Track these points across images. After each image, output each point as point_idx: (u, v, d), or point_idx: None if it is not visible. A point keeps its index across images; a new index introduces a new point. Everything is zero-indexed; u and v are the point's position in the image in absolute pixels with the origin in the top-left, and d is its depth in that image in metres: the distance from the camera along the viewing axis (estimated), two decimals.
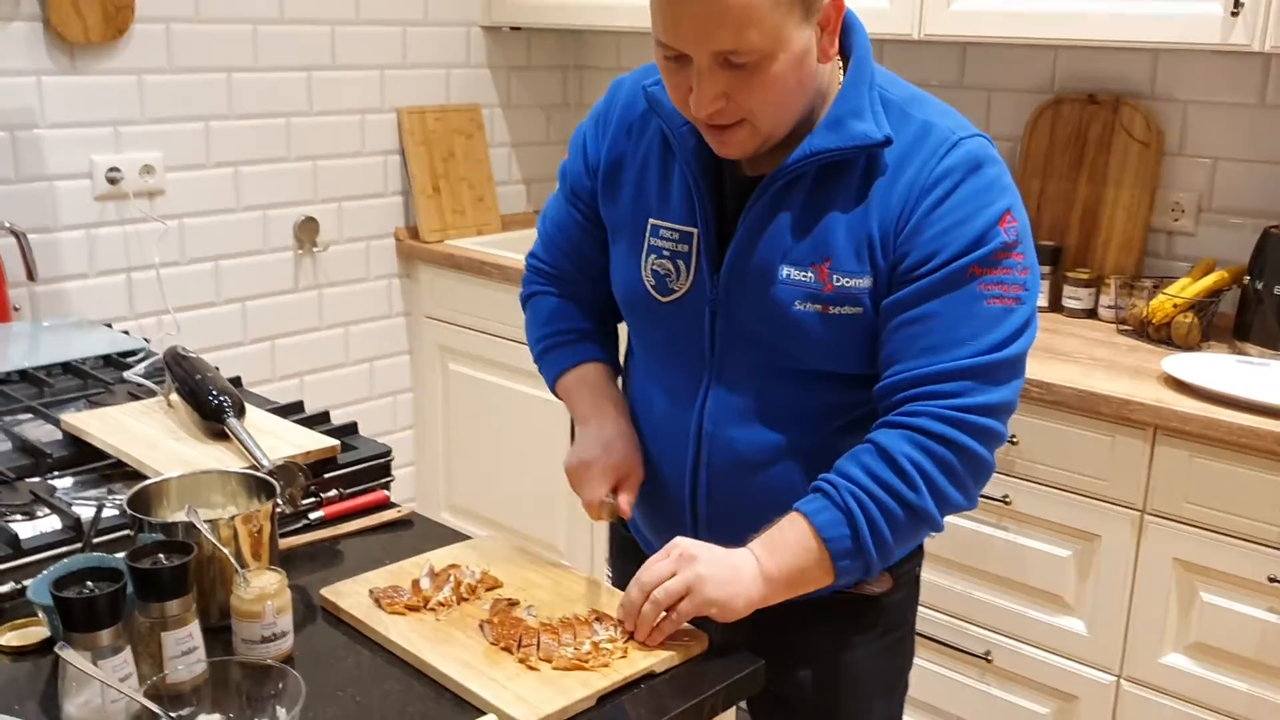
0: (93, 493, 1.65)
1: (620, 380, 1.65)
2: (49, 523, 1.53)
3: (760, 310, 1.39)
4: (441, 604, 1.38)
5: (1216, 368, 2.21)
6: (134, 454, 1.62)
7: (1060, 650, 2.31)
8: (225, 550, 1.30)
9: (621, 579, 1.69)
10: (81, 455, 1.73)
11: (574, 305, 1.64)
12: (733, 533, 1.37)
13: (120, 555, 1.35)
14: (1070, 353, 2.40)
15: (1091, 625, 2.26)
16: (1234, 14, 2.17)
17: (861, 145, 1.32)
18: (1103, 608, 2.24)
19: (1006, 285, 1.31)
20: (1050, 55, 2.82)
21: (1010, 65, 2.88)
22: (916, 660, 2.48)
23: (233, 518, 1.33)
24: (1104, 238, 2.75)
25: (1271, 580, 2.02)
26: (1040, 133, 2.82)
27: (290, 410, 1.93)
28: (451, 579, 1.42)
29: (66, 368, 2.16)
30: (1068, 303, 2.71)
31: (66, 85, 2.74)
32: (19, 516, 1.54)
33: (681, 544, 1.32)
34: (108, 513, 1.48)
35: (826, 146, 1.33)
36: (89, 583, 1.16)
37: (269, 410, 1.86)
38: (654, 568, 1.31)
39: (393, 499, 1.73)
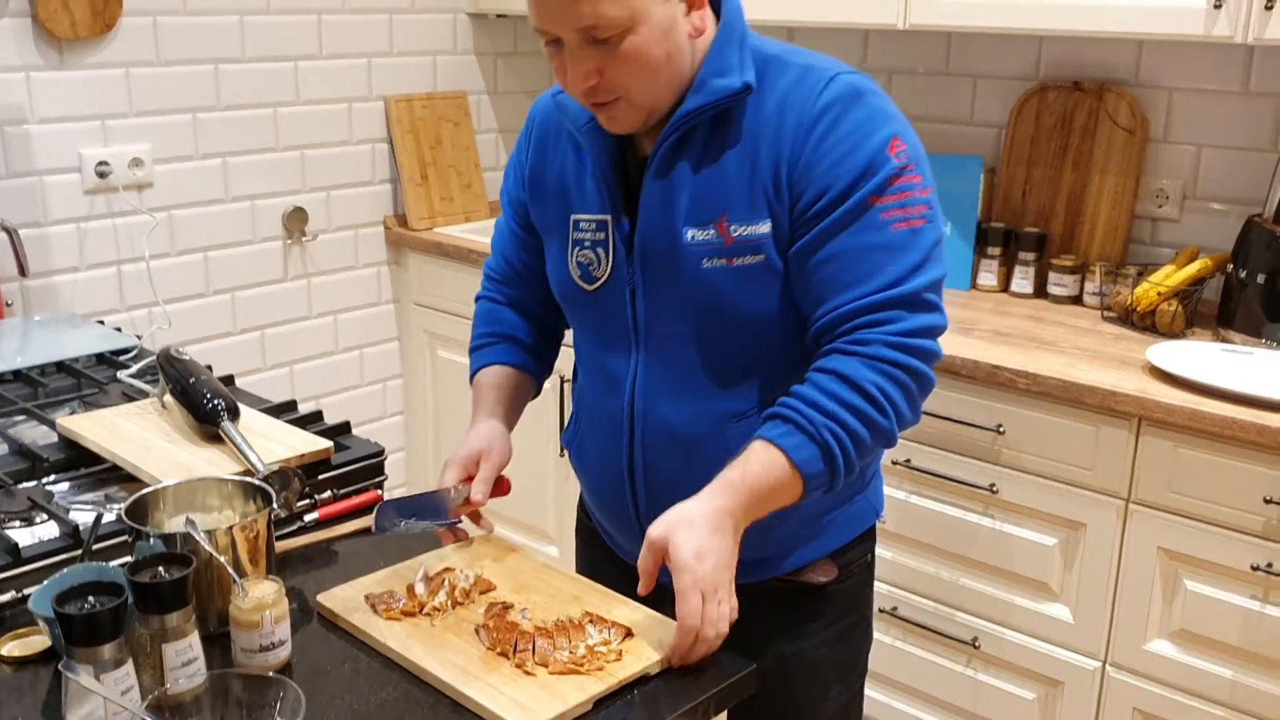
0: (89, 496, 1.67)
1: (529, 375, 1.74)
2: (47, 529, 1.54)
3: (673, 277, 1.44)
4: (437, 609, 1.40)
5: (1200, 356, 2.24)
6: (130, 459, 1.63)
7: (1046, 637, 2.34)
8: (223, 559, 1.32)
9: (585, 566, 1.76)
10: (77, 458, 1.74)
11: (507, 309, 1.74)
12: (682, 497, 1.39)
13: (117, 563, 1.38)
14: (1055, 341, 2.43)
15: (1077, 612, 2.30)
16: (1217, 6, 2.19)
17: (724, 97, 1.38)
18: (1088, 595, 2.27)
19: (908, 208, 1.36)
20: (1035, 43, 2.83)
21: (995, 53, 2.90)
22: (904, 646, 2.54)
23: (230, 527, 1.35)
24: (1089, 225, 2.77)
25: (1254, 568, 2.05)
26: (1025, 120, 2.83)
27: (283, 409, 1.94)
28: (446, 583, 1.44)
29: (60, 367, 2.17)
30: (1053, 289, 2.73)
31: (55, 80, 2.74)
32: (17, 523, 1.56)
33: (698, 579, 1.29)
34: (106, 519, 1.49)
35: (693, 107, 1.39)
36: (90, 597, 1.18)
37: (262, 410, 1.88)
38: (692, 610, 1.28)
39: (386, 486, 1.76)
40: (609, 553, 1.71)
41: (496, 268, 1.76)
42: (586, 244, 1.51)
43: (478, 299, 1.79)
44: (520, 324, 1.73)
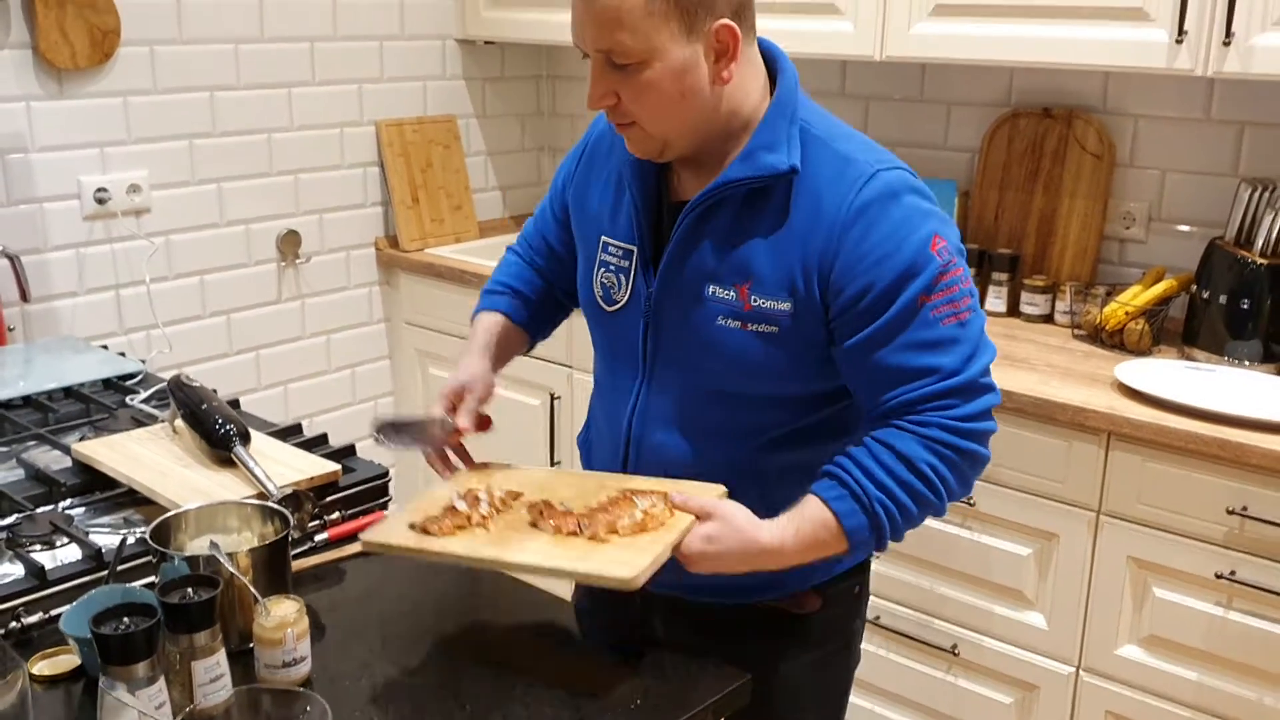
0: (106, 519, 1.73)
1: (519, 335, 1.81)
2: (69, 552, 1.61)
3: (687, 323, 1.51)
4: (485, 517, 1.47)
5: (1166, 374, 2.34)
6: (148, 484, 1.70)
7: (1022, 643, 2.43)
8: (245, 580, 1.39)
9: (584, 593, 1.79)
10: (92, 483, 1.81)
11: (530, 269, 1.83)
12: None
13: (141, 584, 1.46)
14: (1028, 359, 2.52)
15: (1051, 619, 2.39)
16: (1178, 41, 2.29)
17: (769, 175, 1.43)
18: (1061, 603, 2.37)
19: (956, 303, 1.41)
20: (1007, 72, 2.93)
21: (968, 81, 3.00)
22: (886, 654, 2.62)
23: (251, 549, 1.43)
24: (1059, 246, 2.87)
25: (1218, 576, 2.15)
26: (998, 145, 2.93)
27: (289, 433, 2.01)
28: (484, 495, 1.51)
29: (68, 392, 2.23)
30: (1025, 309, 2.83)
31: (55, 109, 2.81)
32: (38, 546, 1.63)
33: (703, 555, 1.39)
34: (129, 541, 1.56)
35: (737, 177, 1.44)
36: (125, 618, 1.25)
37: (269, 434, 1.95)
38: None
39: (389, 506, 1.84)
40: None
41: (530, 237, 1.85)
42: (611, 267, 1.58)
43: (509, 250, 1.88)
44: (537, 284, 1.82)
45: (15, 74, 2.74)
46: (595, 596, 1.60)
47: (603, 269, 1.60)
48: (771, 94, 1.49)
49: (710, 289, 1.48)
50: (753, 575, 1.47)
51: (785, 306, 1.44)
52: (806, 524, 1.40)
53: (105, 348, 2.54)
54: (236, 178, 3.18)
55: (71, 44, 2.77)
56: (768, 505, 1.43)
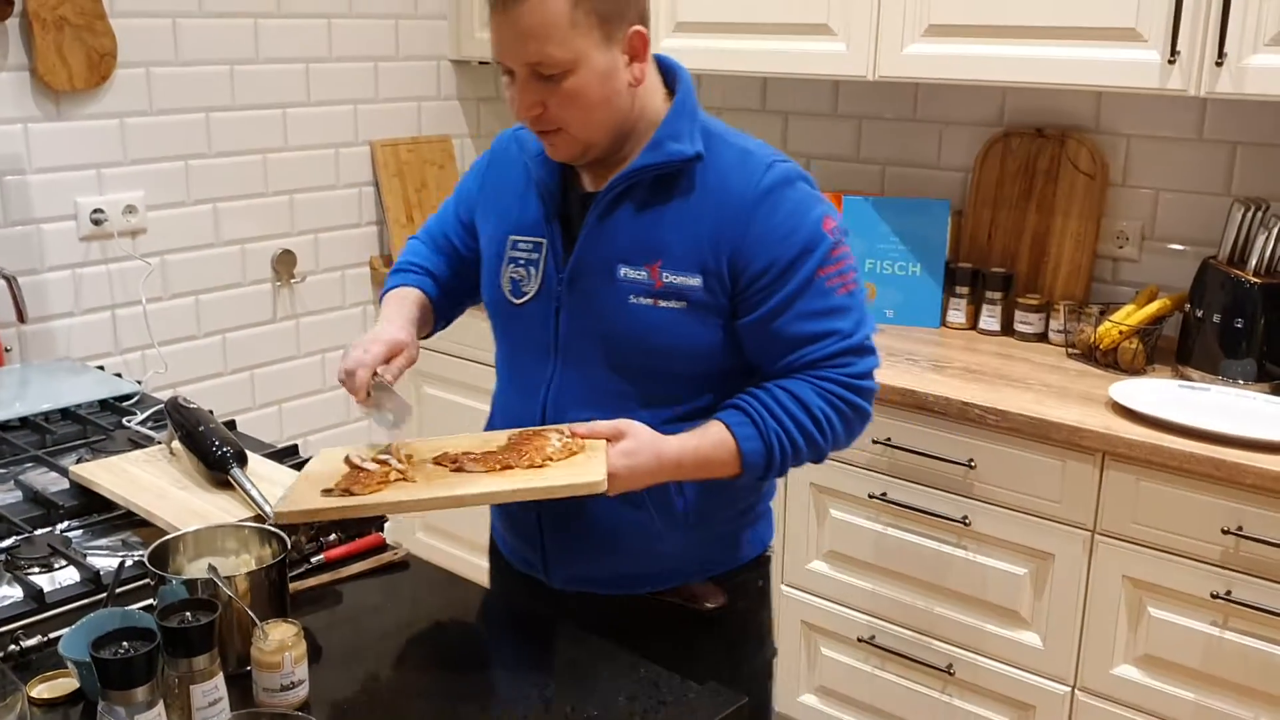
0: (104, 541, 1.74)
1: (430, 318, 1.87)
2: (67, 575, 1.61)
3: (600, 304, 1.60)
4: (402, 472, 1.50)
5: (1160, 393, 2.35)
6: (146, 506, 1.70)
7: (1018, 663, 2.44)
8: (243, 603, 1.39)
9: (499, 591, 1.88)
10: (90, 504, 1.81)
11: (438, 256, 1.90)
12: (575, 518, 1.64)
13: (138, 607, 1.45)
14: (1023, 378, 2.53)
15: (1047, 639, 2.39)
16: (1170, 61, 2.31)
17: (677, 160, 1.56)
18: (1057, 622, 2.37)
19: (845, 275, 1.59)
20: (999, 92, 2.95)
21: (961, 101, 3.01)
22: (882, 674, 2.62)
23: (249, 572, 1.43)
24: (1053, 264, 2.88)
25: (1214, 596, 2.15)
26: (991, 164, 2.95)
27: (286, 454, 2.02)
28: (389, 455, 1.55)
29: (65, 413, 2.23)
30: (1019, 327, 2.84)
31: (52, 131, 2.82)
32: (37, 568, 1.63)
33: (615, 467, 1.49)
34: (127, 565, 1.56)
35: (647, 163, 1.57)
36: (124, 642, 1.25)
37: (265, 455, 1.95)
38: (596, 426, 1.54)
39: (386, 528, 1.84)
40: (511, 570, 1.84)
41: (434, 234, 1.92)
42: (521, 262, 1.68)
43: (412, 239, 1.95)
44: (445, 269, 1.89)
45: (13, 96, 2.75)
46: (510, 594, 1.72)
47: (511, 265, 1.69)
48: (670, 100, 1.63)
49: (622, 270, 1.58)
50: (654, 565, 1.67)
51: (695, 282, 1.56)
52: (707, 442, 1.54)
53: (101, 368, 2.54)
54: (232, 198, 3.19)
55: (69, 66, 2.78)
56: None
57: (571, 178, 1.66)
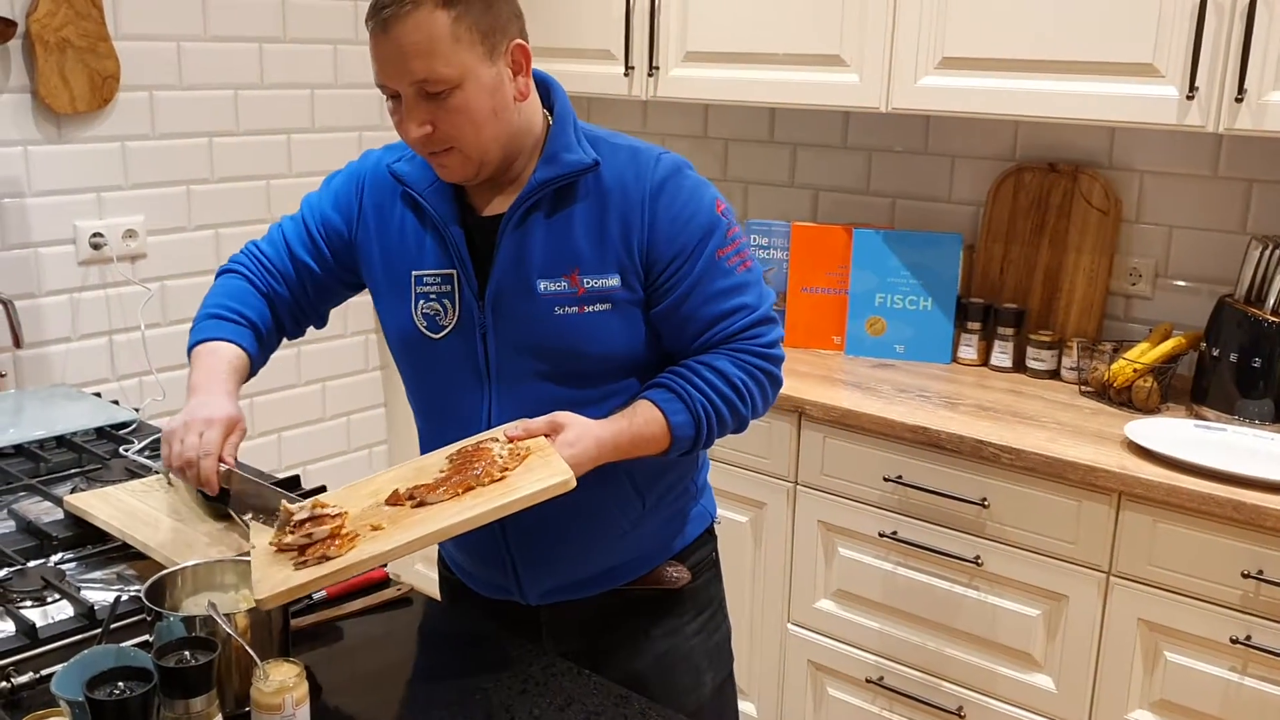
0: (99, 574, 1.69)
1: (247, 375, 1.77)
2: (60, 609, 1.57)
3: (525, 321, 1.62)
4: (372, 525, 1.45)
5: (1176, 433, 2.31)
6: (143, 539, 1.66)
7: (1030, 706, 2.39)
8: (243, 641, 1.35)
9: (455, 615, 1.85)
10: (85, 535, 1.77)
11: (262, 301, 1.80)
12: (543, 532, 1.67)
13: (134, 643, 1.41)
14: (1036, 416, 2.49)
15: (1060, 682, 2.34)
16: (1189, 97, 2.28)
17: (576, 170, 1.60)
18: (1070, 666, 2.32)
19: (742, 252, 1.67)
20: (1012, 126, 2.92)
21: (972, 135, 2.99)
22: (890, 715, 2.58)
23: (249, 609, 1.38)
24: (1065, 301, 2.85)
25: (1233, 641, 2.11)
26: (1003, 199, 2.92)
27: (288, 485, 1.97)
28: (330, 510, 1.48)
29: (60, 441, 2.19)
30: (1031, 364, 2.80)
31: (52, 154, 2.79)
32: (29, 602, 1.58)
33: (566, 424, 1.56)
34: (123, 599, 1.51)
35: (548, 177, 1.60)
36: (119, 682, 1.20)
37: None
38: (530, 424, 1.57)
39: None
40: (477, 598, 1.83)
41: (269, 256, 1.81)
42: (432, 296, 1.67)
43: (223, 271, 1.84)
44: (267, 316, 1.80)
45: (14, 118, 2.72)
46: (478, 623, 1.69)
47: (421, 301, 1.68)
48: (548, 113, 1.67)
49: (542, 285, 1.61)
50: (625, 555, 1.73)
51: (614, 282, 1.61)
52: (638, 421, 1.59)
53: (98, 395, 2.50)
54: (234, 224, 3.16)
55: (71, 89, 2.75)
56: (627, 469, 1.65)
57: (466, 204, 1.67)
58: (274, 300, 1.81)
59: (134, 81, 2.89)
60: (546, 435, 1.55)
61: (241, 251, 1.86)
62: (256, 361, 1.79)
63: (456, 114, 1.52)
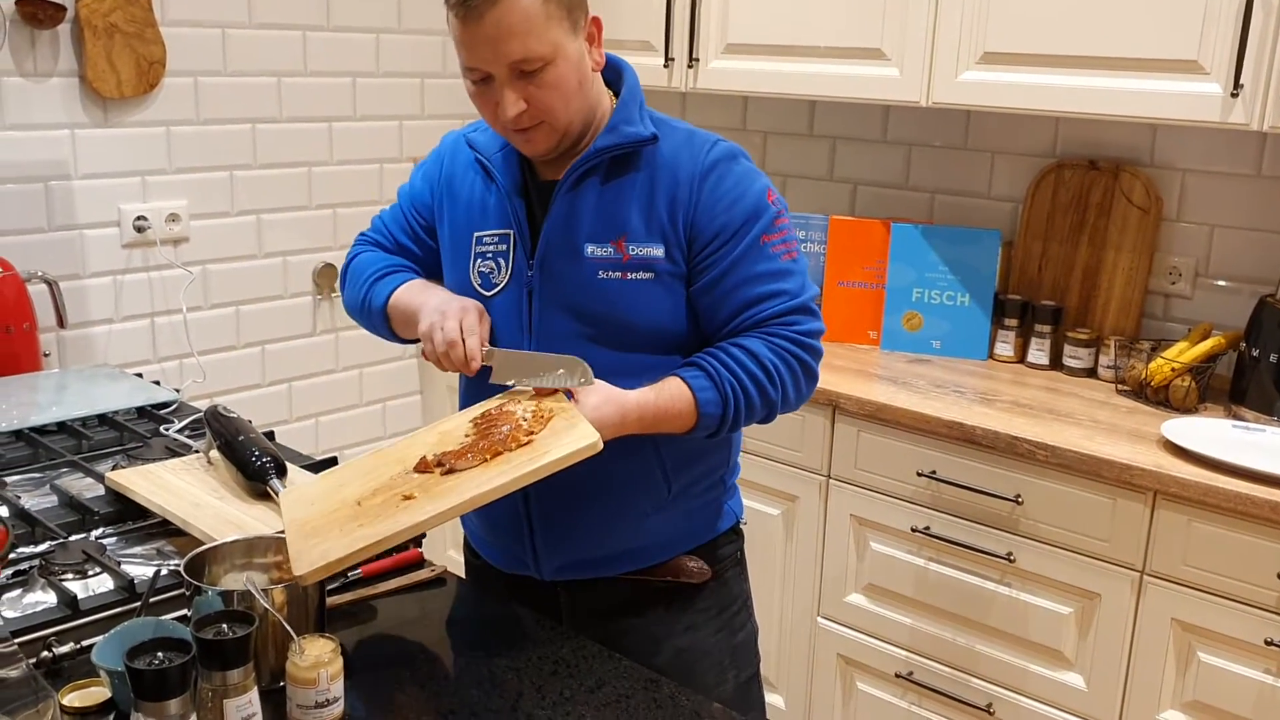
0: (139, 549, 1.71)
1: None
2: (101, 582, 1.59)
3: (569, 283, 1.67)
4: (407, 496, 1.48)
5: (1214, 433, 2.29)
6: (182, 515, 1.68)
7: (1060, 705, 2.38)
8: (280, 616, 1.36)
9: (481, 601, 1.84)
10: (126, 511, 1.79)
11: (401, 257, 1.90)
12: (565, 502, 1.69)
13: (172, 617, 1.43)
14: (1072, 413, 2.48)
15: (1091, 681, 2.33)
16: (1234, 95, 2.26)
17: (635, 141, 1.65)
18: (1102, 664, 2.31)
19: (789, 242, 1.68)
20: (1052, 122, 2.91)
21: (1014, 130, 2.98)
22: (919, 710, 2.57)
23: (286, 585, 1.40)
24: (1103, 299, 2.83)
25: (1268, 643, 2.09)
26: (1042, 196, 2.90)
27: (325, 466, 1.99)
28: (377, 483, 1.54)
29: (103, 419, 2.22)
30: (1068, 362, 2.79)
31: (98, 138, 2.82)
32: (70, 575, 1.61)
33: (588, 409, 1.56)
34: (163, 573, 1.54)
35: (608, 144, 1.65)
36: (159, 652, 1.22)
37: (304, 466, 1.93)
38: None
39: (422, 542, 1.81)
40: (497, 576, 1.85)
41: (378, 242, 1.92)
42: (489, 255, 1.73)
43: (359, 253, 1.93)
44: (411, 266, 1.89)
45: (62, 102, 2.75)
46: (494, 595, 1.75)
47: (479, 260, 1.73)
48: (614, 91, 1.72)
49: (589, 248, 1.65)
50: (644, 539, 1.73)
51: (659, 252, 1.64)
52: (665, 395, 1.61)
53: (140, 375, 2.53)
54: (275, 210, 3.19)
55: (118, 73, 2.79)
56: (657, 451, 1.68)
57: (529, 171, 1.72)
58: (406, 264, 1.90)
59: (179, 67, 2.92)
60: (571, 396, 1.57)
61: (357, 242, 1.96)
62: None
63: (550, 89, 1.57)
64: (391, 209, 1.93)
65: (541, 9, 1.53)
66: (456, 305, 1.67)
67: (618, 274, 1.64)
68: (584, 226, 1.65)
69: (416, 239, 1.88)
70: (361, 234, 1.97)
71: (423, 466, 1.53)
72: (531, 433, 1.49)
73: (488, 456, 1.48)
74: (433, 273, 1.88)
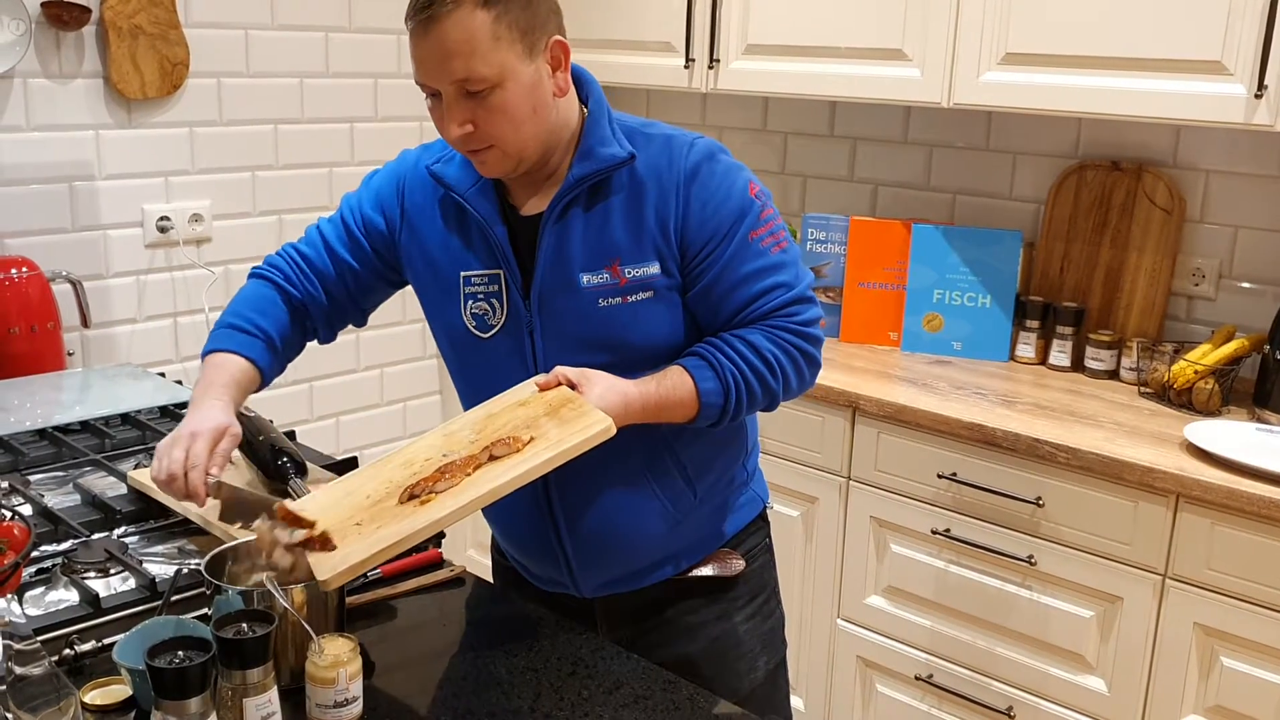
0: (160, 549, 1.72)
1: (256, 386, 1.76)
2: (122, 580, 1.60)
3: (571, 317, 1.64)
4: (427, 497, 1.46)
5: (1237, 436, 2.28)
6: (203, 514, 1.69)
7: (1081, 708, 2.37)
8: (299, 615, 1.37)
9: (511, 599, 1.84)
10: (148, 510, 1.81)
11: (284, 306, 1.79)
12: (595, 519, 1.69)
13: (193, 616, 1.44)
14: (1094, 416, 2.47)
15: (1112, 685, 2.32)
16: (1258, 96, 2.25)
17: (612, 164, 1.61)
18: (1124, 668, 2.30)
19: (776, 234, 1.66)
20: (1075, 123, 2.89)
21: (1035, 131, 2.96)
22: (939, 713, 2.57)
23: (305, 585, 1.40)
24: (1126, 301, 2.82)
25: None
26: (1064, 197, 2.89)
27: (346, 466, 2.00)
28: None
29: (125, 418, 2.23)
30: (1090, 364, 2.78)
31: (122, 138, 2.84)
32: (93, 573, 1.62)
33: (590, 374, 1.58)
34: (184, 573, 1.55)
35: (585, 173, 1.61)
36: (180, 651, 1.23)
37: (324, 466, 1.94)
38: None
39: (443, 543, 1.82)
40: (531, 588, 1.85)
41: (308, 257, 1.81)
42: (480, 296, 1.69)
43: (254, 274, 1.83)
44: (285, 326, 1.78)
45: (86, 103, 2.77)
46: (551, 607, 1.72)
47: (470, 300, 1.69)
48: (583, 106, 1.67)
49: (585, 278, 1.62)
50: (679, 544, 1.74)
51: (654, 269, 1.62)
52: (666, 385, 1.60)
53: (162, 375, 2.55)
54: (297, 210, 3.20)
55: (142, 74, 2.81)
56: (672, 450, 1.68)
57: (507, 202, 1.67)
58: (306, 306, 1.80)
59: (203, 68, 2.94)
60: (574, 388, 1.56)
61: (277, 254, 1.84)
62: (268, 372, 1.76)
63: (496, 113, 1.52)
64: (332, 221, 1.82)
65: (489, 29, 1.48)
66: (187, 432, 1.56)
67: (618, 299, 1.62)
68: (576, 257, 1.62)
69: (360, 255, 1.78)
70: (287, 245, 1.84)
71: (403, 500, 1.49)
72: (530, 427, 1.50)
73: (512, 449, 1.48)
74: (367, 290, 1.81)
